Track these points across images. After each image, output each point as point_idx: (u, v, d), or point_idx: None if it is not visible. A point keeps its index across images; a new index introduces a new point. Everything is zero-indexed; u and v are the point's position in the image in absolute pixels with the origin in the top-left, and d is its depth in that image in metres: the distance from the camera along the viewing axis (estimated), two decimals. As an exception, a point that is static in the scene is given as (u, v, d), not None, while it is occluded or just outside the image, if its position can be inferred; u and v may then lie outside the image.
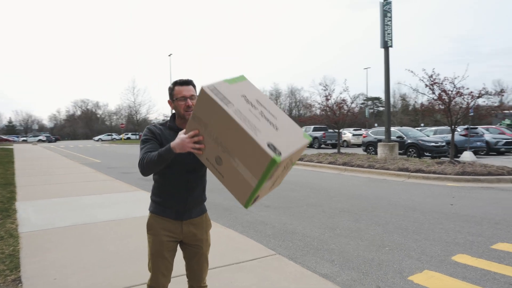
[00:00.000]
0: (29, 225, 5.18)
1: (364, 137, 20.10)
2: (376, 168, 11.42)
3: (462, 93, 10.77)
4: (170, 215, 2.12)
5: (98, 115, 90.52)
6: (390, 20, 13.15)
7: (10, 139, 67.46)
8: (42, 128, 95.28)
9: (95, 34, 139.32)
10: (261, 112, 1.58)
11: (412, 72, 11.09)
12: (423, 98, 12.75)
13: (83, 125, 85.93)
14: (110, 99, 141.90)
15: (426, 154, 15.32)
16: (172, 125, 2.14)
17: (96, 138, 66.69)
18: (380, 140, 16.21)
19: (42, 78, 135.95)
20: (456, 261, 3.85)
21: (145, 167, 1.96)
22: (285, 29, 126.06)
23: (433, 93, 11.04)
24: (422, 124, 49.05)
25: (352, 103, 15.98)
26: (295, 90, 77.56)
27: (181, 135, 1.78)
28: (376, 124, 53.53)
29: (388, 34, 13.09)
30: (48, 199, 7.15)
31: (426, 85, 11.03)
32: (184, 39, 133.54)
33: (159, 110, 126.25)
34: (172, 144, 1.82)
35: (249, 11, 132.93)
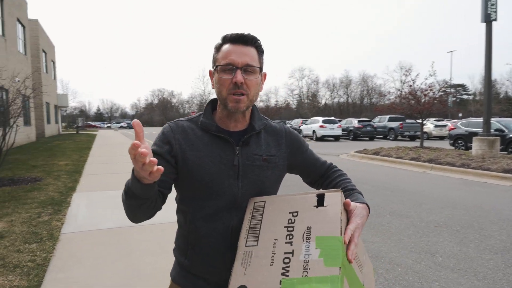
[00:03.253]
0: (73, 224, 4.73)
1: (451, 129, 17.59)
2: (472, 168, 9.52)
3: None
4: None
5: (173, 104, 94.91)
6: (495, -11, 10.83)
7: (97, 125, 73.93)
8: (124, 115, 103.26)
9: (170, 25, 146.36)
10: None
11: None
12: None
13: (159, 112, 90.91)
14: (184, 89, 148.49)
15: (534, 151, 12.73)
16: (207, 122, 1.18)
17: (170, 125, 69.63)
18: (473, 133, 13.90)
19: (125, 69, 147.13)
20: None
21: (125, 209, 1.07)
22: (357, 14, 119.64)
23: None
24: (517, 115, 42.95)
25: (440, 90, 13.84)
26: (367, 77, 73.24)
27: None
28: (460, 114, 48.34)
29: (492, 5, 10.81)
30: (105, 191, 6.83)
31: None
32: (253, 27, 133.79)
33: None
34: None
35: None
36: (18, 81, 11.63)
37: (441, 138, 24.99)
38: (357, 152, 14.50)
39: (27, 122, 20.14)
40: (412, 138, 24.43)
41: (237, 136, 1.18)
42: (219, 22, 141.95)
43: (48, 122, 29.21)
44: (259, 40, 1.17)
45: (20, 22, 19.83)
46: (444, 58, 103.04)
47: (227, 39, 1.15)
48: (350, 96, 75.14)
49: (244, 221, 1.09)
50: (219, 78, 1.12)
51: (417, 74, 14.11)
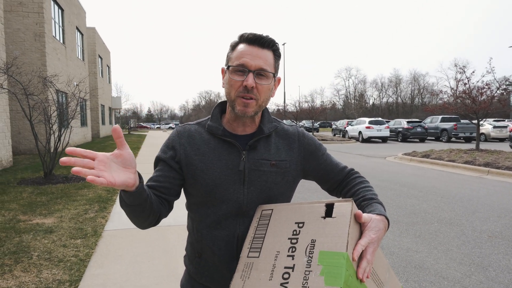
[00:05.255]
0: (117, 221, 4.93)
1: (512, 130, 16.25)
2: (535, 173, 8.70)
3: None
4: None
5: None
6: None
7: (147, 126, 77.53)
8: (173, 117, 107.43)
9: (216, 29, 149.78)
10: None
11: None
12: None
13: (206, 114, 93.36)
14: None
15: None
16: (214, 126, 1.13)
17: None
18: (538, 135, 12.72)
19: (174, 72, 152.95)
20: None
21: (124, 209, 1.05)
22: (404, 9, 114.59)
23: None
24: None
25: (499, 88, 12.79)
26: (419, 75, 69.83)
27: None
28: (523, 114, 44.58)
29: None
30: (148, 190, 7.06)
31: None
32: (298, 27, 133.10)
33: (273, 100, 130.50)
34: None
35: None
36: (76, 85, 12.44)
37: (501, 140, 23.15)
38: (406, 154, 13.82)
39: (83, 123, 21.51)
40: (468, 140, 22.85)
41: (244, 140, 1.12)
42: (265, 22, 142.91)
43: (103, 123, 31.01)
44: (277, 43, 1.10)
45: (78, 30, 21.23)
46: (504, 53, 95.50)
47: (243, 39, 1.07)
48: (400, 96, 72.16)
49: (249, 229, 1.03)
50: (230, 78, 1.07)
51: (473, 71, 13.15)
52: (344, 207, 0.89)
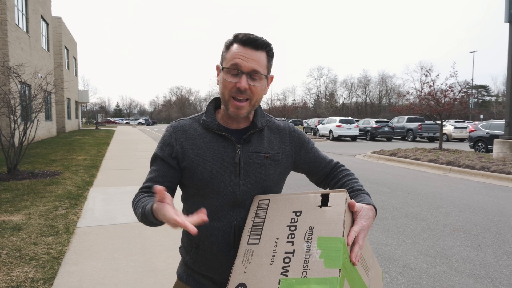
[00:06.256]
0: (90, 218, 4.82)
1: (472, 131, 17.16)
2: (492, 171, 9.26)
3: None
4: None
5: (191, 101, 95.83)
6: (522, -13, 10.48)
7: (116, 121, 75.30)
8: (143, 112, 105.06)
9: (189, 23, 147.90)
10: None
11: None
12: None
13: (177, 110, 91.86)
14: (202, 86, 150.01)
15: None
16: (209, 121, 1.17)
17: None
18: (494, 136, 13.55)
19: (145, 66, 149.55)
20: None
21: (138, 219, 1.08)
22: (377, 13, 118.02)
23: None
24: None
25: (461, 91, 13.49)
26: (386, 77, 72.17)
27: (169, 211, 0.85)
28: (481, 116, 47.31)
29: (518, 4, 10.47)
30: (121, 187, 6.94)
31: None
32: (272, 24, 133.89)
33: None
34: (155, 206, 0.91)
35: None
36: (41, 76, 11.93)
37: (461, 140, 24.41)
38: (374, 152, 14.30)
39: (48, 117, 20.66)
40: (431, 139, 23.94)
41: (238, 134, 1.18)
42: (237, 19, 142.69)
43: (69, 117, 29.90)
44: (271, 44, 1.14)
45: (43, 19, 20.33)
46: (466, 58, 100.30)
47: (238, 39, 1.10)
48: (368, 96, 74.29)
49: (247, 218, 1.09)
50: (224, 79, 1.11)
51: (438, 75, 13.79)
52: (339, 197, 0.98)
